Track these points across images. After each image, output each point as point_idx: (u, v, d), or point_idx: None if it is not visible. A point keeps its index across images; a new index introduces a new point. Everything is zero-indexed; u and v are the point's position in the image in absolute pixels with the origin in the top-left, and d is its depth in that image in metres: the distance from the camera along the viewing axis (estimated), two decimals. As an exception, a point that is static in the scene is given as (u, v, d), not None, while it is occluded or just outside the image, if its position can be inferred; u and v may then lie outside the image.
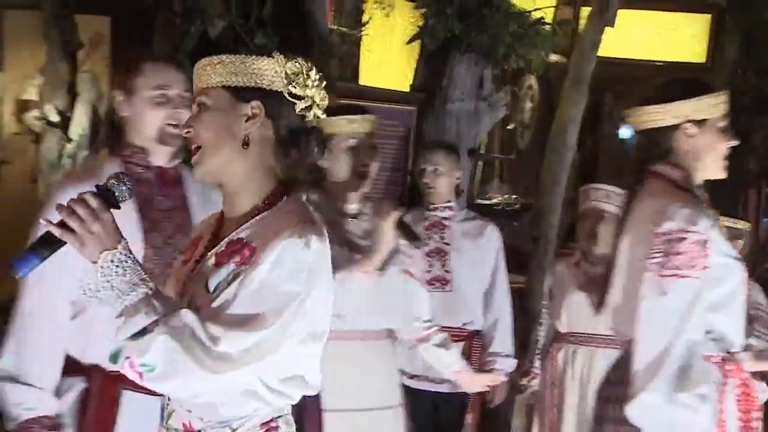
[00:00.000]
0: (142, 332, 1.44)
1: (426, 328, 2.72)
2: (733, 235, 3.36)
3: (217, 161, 1.59)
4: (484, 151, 6.44)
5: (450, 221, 3.44)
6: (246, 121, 1.58)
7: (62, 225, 1.46)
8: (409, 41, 5.24)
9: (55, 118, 5.12)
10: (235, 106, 1.58)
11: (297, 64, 1.59)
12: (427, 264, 3.36)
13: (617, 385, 2.17)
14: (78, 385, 2.12)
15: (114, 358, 1.46)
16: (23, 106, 5.56)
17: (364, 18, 5.31)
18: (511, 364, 3.46)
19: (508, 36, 5.05)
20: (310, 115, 1.62)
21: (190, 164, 2.17)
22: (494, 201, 6.63)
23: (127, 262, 1.47)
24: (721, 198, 3.70)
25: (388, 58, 5.62)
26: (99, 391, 2.09)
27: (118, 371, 1.87)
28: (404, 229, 2.50)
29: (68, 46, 5.25)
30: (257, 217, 1.57)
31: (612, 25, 5.28)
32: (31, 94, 5.45)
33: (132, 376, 1.47)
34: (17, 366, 2.06)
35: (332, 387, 2.48)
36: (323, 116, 2.63)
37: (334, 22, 5.09)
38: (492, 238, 3.48)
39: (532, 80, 6.86)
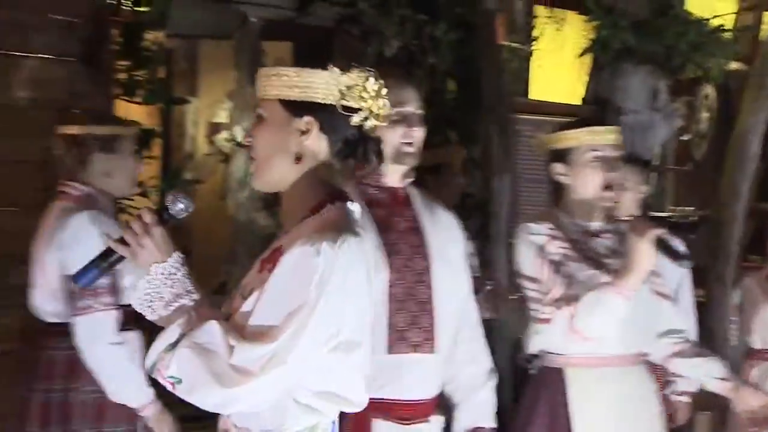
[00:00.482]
0: (175, 343, 1.47)
1: (677, 341, 2.55)
2: None
3: (271, 174, 1.58)
4: (658, 162, 6.27)
5: None
6: (300, 135, 1.56)
7: (121, 239, 1.52)
8: (581, 54, 5.21)
9: (242, 139, 5.40)
10: (289, 121, 1.56)
11: (352, 76, 1.55)
12: None
13: None
14: None
15: (151, 368, 1.49)
16: (214, 129, 5.92)
17: (535, 33, 5.33)
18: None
19: (684, 45, 4.94)
20: (367, 125, 1.58)
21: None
22: (669, 214, 6.44)
23: (176, 274, 1.50)
24: None
25: (558, 71, 5.61)
26: (351, 418, 1.96)
27: (372, 398, 1.85)
28: (666, 248, 2.31)
29: (255, 71, 5.50)
30: (297, 226, 1.55)
31: (798, 29, 5.02)
32: (222, 117, 5.77)
33: (167, 386, 1.49)
34: None
35: (588, 417, 2.39)
36: (572, 130, 2.50)
37: (505, 38, 5.13)
38: None
39: (708, 89, 6.61)
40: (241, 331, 1.47)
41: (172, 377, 1.47)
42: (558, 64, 5.56)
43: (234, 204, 5.15)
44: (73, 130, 2.70)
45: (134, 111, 4.41)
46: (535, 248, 2.46)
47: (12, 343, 3.12)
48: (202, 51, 6.05)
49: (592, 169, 2.46)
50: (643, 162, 3.58)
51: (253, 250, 4.74)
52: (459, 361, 2.26)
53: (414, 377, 2.11)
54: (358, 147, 1.58)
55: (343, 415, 1.89)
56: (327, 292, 1.47)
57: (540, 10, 5.40)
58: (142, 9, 4.31)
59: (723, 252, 4.96)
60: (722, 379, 2.52)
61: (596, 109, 5.09)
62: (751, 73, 5.19)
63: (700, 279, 4.73)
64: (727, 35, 5.05)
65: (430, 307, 2.14)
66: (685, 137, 6.71)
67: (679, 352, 2.54)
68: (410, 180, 2.20)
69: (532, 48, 5.33)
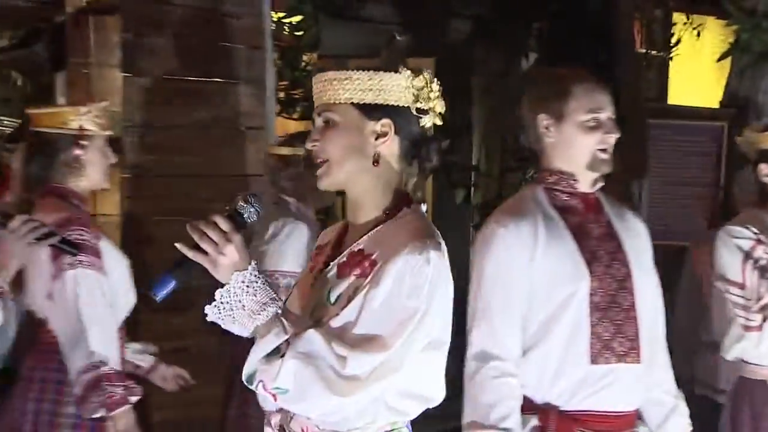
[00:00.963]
0: (274, 352, 1.45)
1: None
2: None
3: (343, 175, 1.57)
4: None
5: None
6: (376, 138, 1.55)
7: (196, 247, 1.44)
8: (720, 58, 5.23)
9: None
10: (365, 124, 1.54)
11: (422, 78, 1.56)
12: None
13: None
14: (531, 422, 2.01)
15: (249, 379, 1.47)
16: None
17: (673, 40, 5.41)
18: None
19: None
20: (429, 123, 1.58)
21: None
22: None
23: (257, 282, 1.45)
24: None
25: (696, 76, 5.66)
26: (554, 430, 2.00)
27: (574, 410, 1.95)
28: None
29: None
30: (376, 229, 1.55)
31: None
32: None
33: (267, 397, 1.48)
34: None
35: None
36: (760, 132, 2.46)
37: (643, 46, 5.23)
38: None
39: None
40: (342, 338, 1.46)
41: (278, 388, 1.45)
42: (697, 68, 5.61)
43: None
44: (284, 150, 3.03)
45: (291, 126, 4.79)
46: (740, 252, 2.39)
47: (190, 340, 3.42)
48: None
49: None
50: None
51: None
52: (660, 369, 2.13)
53: (620, 388, 2.00)
54: (422, 147, 1.58)
55: (545, 426, 1.97)
56: (435, 297, 1.50)
57: (678, 17, 5.46)
58: (298, 33, 4.71)
59: None
60: None
61: (736, 111, 5.09)
62: None
63: None
64: None
65: (634, 315, 2.01)
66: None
67: None
68: (601, 185, 2.09)
69: (671, 55, 5.40)
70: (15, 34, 4.01)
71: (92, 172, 2.41)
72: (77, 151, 2.37)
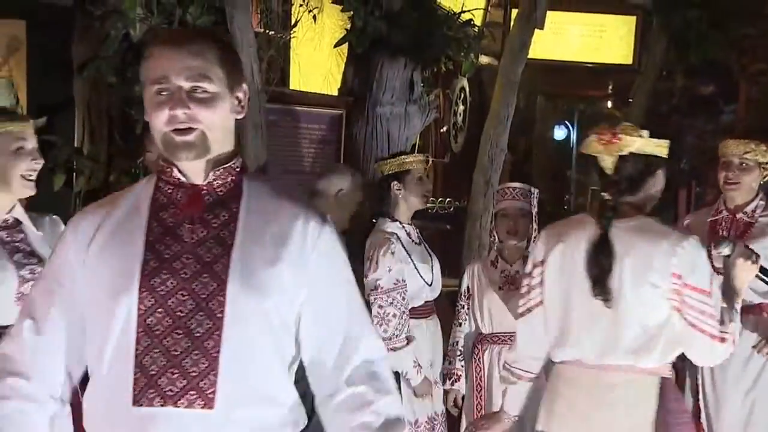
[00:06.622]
0: None
1: None
2: None
3: None
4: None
5: None
6: None
7: None
8: (337, 44, 5.32)
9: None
10: None
11: None
12: None
13: None
14: None
15: None
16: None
17: (292, 21, 5.36)
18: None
19: (438, 38, 5.19)
20: None
21: None
22: (428, 205, 6.75)
23: None
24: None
25: (317, 61, 5.69)
26: None
27: None
28: None
29: (-18, 49, 5.29)
30: None
31: (541, 28, 5.41)
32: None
33: None
34: None
35: None
36: None
37: (260, 25, 5.12)
38: None
39: (463, 82, 7.02)
40: None
41: None
42: (316, 53, 5.64)
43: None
44: None
45: None
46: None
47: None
48: None
49: None
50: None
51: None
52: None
53: None
54: None
55: None
56: None
57: (296, -1, 5.45)
58: None
59: (477, 242, 5.26)
60: None
61: (353, 100, 5.20)
62: (500, 68, 5.57)
63: (455, 269, 4.98)
64: (476, 30, 5.37)
65: (213, 344, 1.73)
66: (443, 129, 7.06)
67: None
68: (217, 175, 1.72)
69: (290, 36, 5.36)
70: None
71: None
72: None
